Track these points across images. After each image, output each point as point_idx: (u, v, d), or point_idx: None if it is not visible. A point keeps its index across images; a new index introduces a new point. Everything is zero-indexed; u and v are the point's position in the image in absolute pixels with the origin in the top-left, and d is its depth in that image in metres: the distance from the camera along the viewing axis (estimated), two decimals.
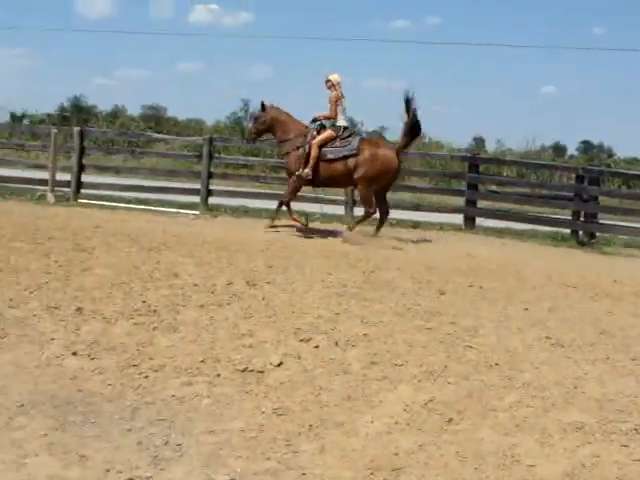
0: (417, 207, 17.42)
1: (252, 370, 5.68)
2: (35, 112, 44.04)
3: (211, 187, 16.56)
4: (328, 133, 13.14)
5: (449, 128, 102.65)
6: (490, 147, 46.57)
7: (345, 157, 13.01)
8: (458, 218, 16.89)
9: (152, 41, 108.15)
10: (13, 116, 41.83)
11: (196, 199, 16.59)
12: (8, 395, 5.06)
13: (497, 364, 6.09)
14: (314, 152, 13.01)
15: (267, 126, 13.75)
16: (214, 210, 16.08)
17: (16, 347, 5.95)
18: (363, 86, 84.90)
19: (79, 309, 6.82)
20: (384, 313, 7.38)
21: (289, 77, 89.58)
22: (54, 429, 4.58)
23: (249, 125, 13.99)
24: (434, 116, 77.74)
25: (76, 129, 16.99)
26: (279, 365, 5.78)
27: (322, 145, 13.07)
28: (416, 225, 16.30)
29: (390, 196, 16.53)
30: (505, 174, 27.28)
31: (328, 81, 13.24)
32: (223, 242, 11.24)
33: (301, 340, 6.34)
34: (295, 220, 13.63)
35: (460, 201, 17.34)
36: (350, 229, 13.27)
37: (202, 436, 4.62)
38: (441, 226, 16.33)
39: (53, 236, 10.48)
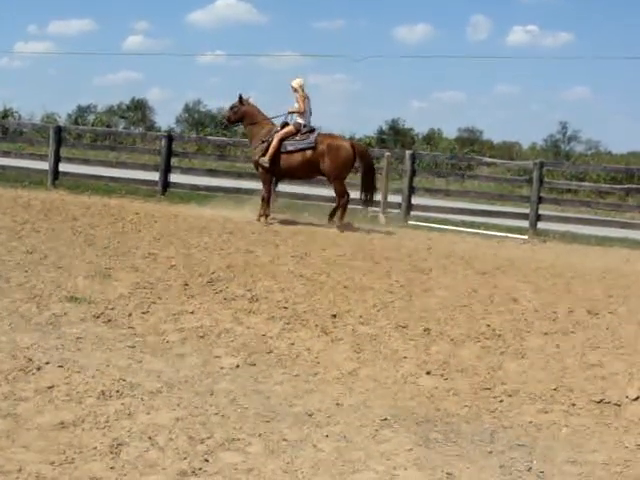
0: None
1: (608, 402, 5.57)
2: (354, 135, 45.75)
3: (540, 212, 16.37)
4: (289, 128, 14.54)
5: None
6: None
7: (303, 149, 14.35)
8: None
9: (469, 64, 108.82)
10: None
11: (522, 223, 16.47)
12: (371, 408, 5.30)
13: None
14: (274, 142, 14.34)
15: (239, 116, 15.33)
16: (542, 235, 15.87)
17: (372, 363, 6.22)
18: None
19: (426, 329, 7.00)
20: None
21: (608, 99, 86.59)
22: (418, 445, 4.73)
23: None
24: None
25: (408, 153, 17.48)
26: (636, 399, 5.61)
27: (283, 139, 14.41)
28: None
29: None
30: None
31: (292, 87, 14.63)
32: (556, 268, 11.09)
33: None
34: (260, 215, 14.46)
35: None
36: (339, 227, 14.14)
37: (564, 465, 4.58)
38: None
39: (389, 256, 10.83)
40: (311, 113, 14.77)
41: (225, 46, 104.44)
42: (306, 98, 14.59)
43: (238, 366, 6.02)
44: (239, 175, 19.61)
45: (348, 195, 14.53)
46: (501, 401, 5.57)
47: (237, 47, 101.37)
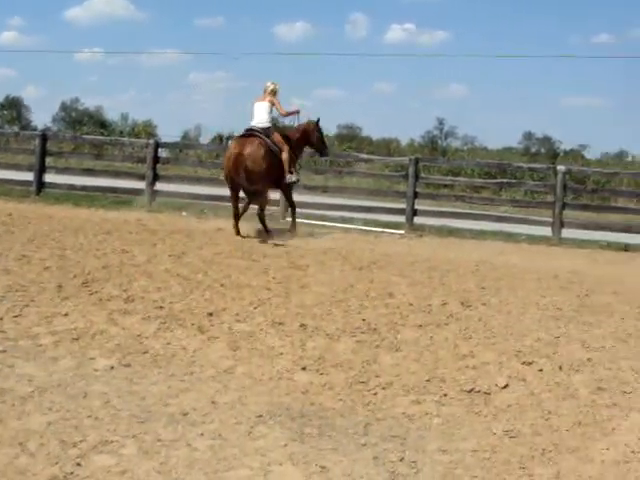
0: (627, 229, 16.93)
1: (478, 391, 5.72)
2: (232, 132, 45.59)
3: (416, 207, 16.68)
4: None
5: None
6: None
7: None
8: None
9: (348, 61, 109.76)
10: (220, 137, 43.48)
11: (400, 219, 16.73)
12: (247, 405, 5.32)
13: None
14: None
15: None
16: (418, 230, 16.16)
17: (248, 360, 6.24)
18: (562, 104, 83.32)
19: (303, 325, 7.06)
20: (605, 338, 7.22)
21: (484, 95, 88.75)
22: (293, 440, 4.78)
23: None
24: (637, 133, 74.94)
25: None
26: (505, 387, 5.79)
27: None
28: (627, 248, 15.81)
29: (596, 217, 16.28)
30: None
31: None
32: (432, 262, 11.32)
33: (523, 363, 6.31)
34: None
35: None
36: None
37: (435, 454, 4.69)
38: None
39: (267, 254, 10.86)
40: (268, 117, 13.73)
41: (103, 43, 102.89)
42: (262, 100, 13.76)
43: (113, 367, 5.95)
44: (116, 174, 19.36)
45: (262, 202, 13.55)
46: (375, 394, 5.66)
47: (115, 44, 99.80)
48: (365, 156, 22.04)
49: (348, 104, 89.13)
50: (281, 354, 6.36)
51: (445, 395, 5.67)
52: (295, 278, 9.09)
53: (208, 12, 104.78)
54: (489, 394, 5.69)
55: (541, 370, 6.15)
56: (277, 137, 13.58)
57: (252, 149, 12.89)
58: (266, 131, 13.48)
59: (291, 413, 5.24)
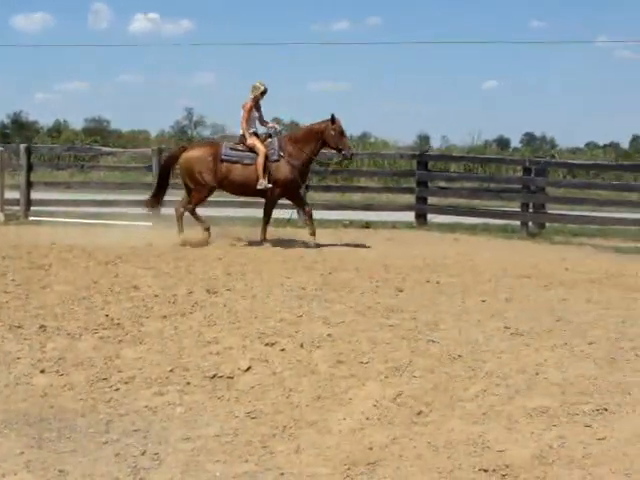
0: (368, 207, 17.65)
1: (221, 376, 5.76)
2: None
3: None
4: None
5: (394, 127, 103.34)
6: (435, 144, 47.32)
7: None
8: (410, 216, 17.12)
9: (92, 53, 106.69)
10: None
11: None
12: None
13: (460, 356, 6.22)
14: None
15: None
16: (167, 220, 15.99)
17: None
18: (308, 89, 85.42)
19: (42, 327, 6.82)
20: (345, 313, 7.49)
21: (232, 83, 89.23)
22: (30, 447, 4.61)
23: None
24: (378, 115, 78.04)
25: (23, 146, 16.91)
26: (247, 370, 5.86)
27: None
28: (368, 225, 16.47)
29: (340, 197, 16.83)
30: (453, 170, 26.63)
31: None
32: (181, 252, 11.31)
33: (266, 344, 6.41)
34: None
35: (411, 199, 17.58)
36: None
37: (178, 443, 4.68)
38: (393, 225, 16.53)
39: (7, 255, 10.43)
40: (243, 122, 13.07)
41: None
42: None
43: None
44: None
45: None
46: (117, 390, 5.56)
47: None
48: (106, 149, 21.69)
49: (94, 97, 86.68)
50: (18, 359, 6.11)
51: (188, 383, 5.66)
52: (36, 278, 8.80)
53: None
54: (232, 378, 5.75)
55: (283, 350, 6.28)
56: (253, 142, 12.92)
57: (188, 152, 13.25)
58: (241, 138, 13.09)
59: (29, 419, 5.05)
